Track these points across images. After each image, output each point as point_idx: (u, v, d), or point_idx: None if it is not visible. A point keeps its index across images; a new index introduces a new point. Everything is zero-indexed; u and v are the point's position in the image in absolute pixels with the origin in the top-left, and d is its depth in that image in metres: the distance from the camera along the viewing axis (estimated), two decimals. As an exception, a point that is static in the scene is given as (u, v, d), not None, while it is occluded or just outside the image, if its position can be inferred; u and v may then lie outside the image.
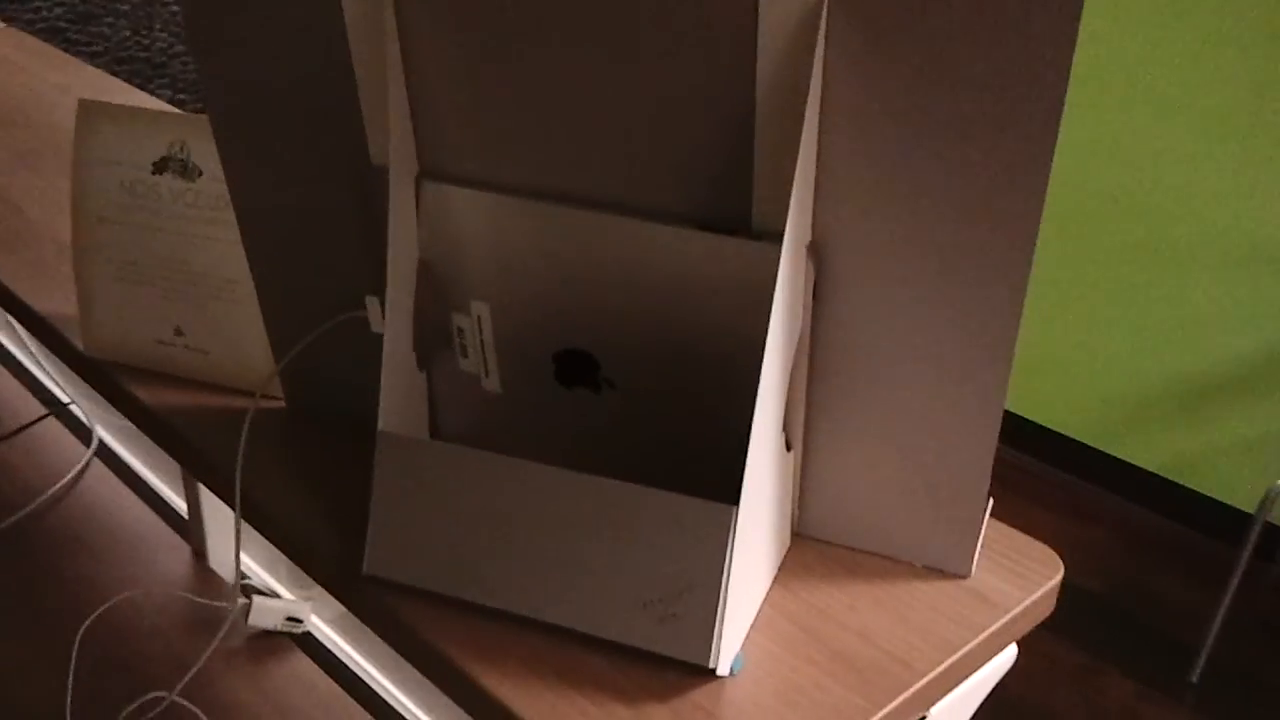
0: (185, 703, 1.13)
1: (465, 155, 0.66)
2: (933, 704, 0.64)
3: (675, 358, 0.66)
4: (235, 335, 0.82)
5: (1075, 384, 2.72)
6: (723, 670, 0.60)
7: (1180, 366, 2.52)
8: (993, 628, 0.66)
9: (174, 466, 1.45)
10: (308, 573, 0.70)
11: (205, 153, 0.80)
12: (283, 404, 0.82)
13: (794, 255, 0.59)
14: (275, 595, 1.30)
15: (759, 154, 0.59)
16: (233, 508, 0.73)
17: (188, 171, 0.80)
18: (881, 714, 0.60)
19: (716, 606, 0.59)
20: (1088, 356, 2.68)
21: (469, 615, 0.64)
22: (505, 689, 0.61)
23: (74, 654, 1.18)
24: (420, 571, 0.64)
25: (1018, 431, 2.83)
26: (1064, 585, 0.68)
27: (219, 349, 0.83)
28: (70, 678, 1.15)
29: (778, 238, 0.61)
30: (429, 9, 0.62)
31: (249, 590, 1.24)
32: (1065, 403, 2.76)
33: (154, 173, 0.81)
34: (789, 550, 0.71)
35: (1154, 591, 2.38)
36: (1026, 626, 0.69)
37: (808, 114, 0.56)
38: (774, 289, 0.56)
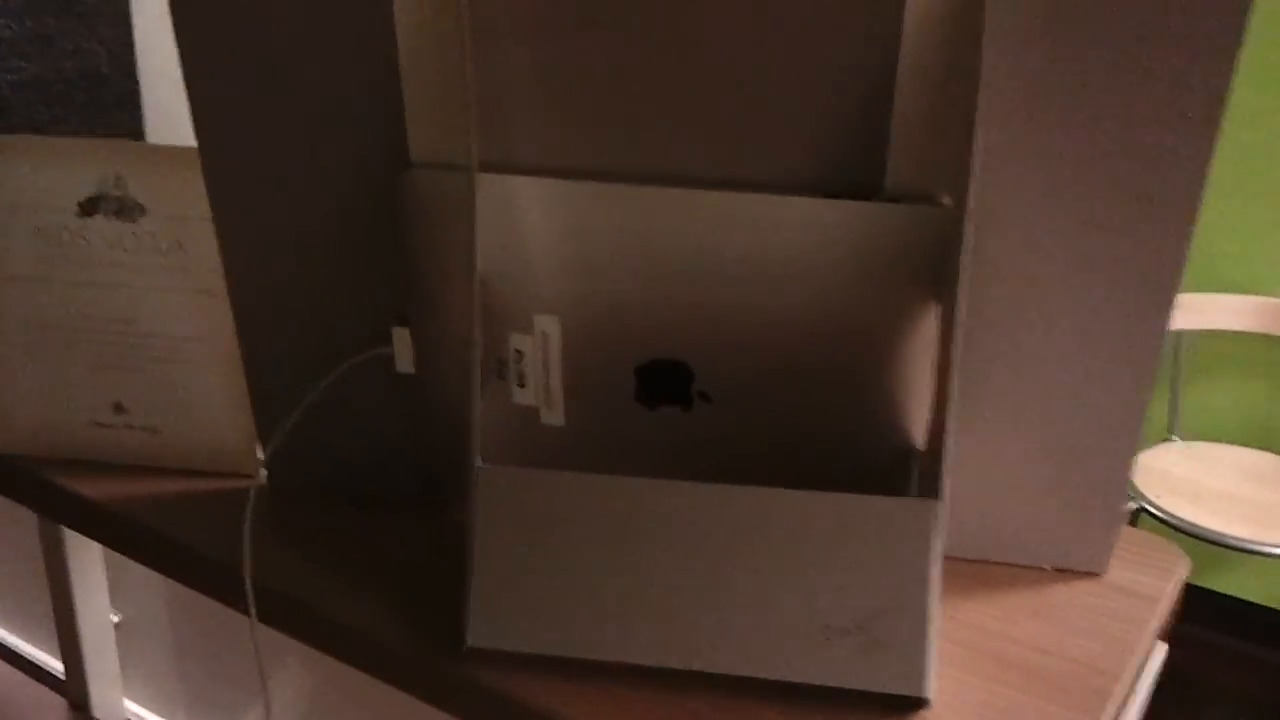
0: None
1: (533, 138, 0.56)
2: (1125, 703, 0.57)
3: (788, 354, 0.58)
4: (192, 406, 0.68)
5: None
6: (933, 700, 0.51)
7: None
8: (1153, 620, 0.60)
9: (32, 614, 1.22)
10: (367, 669, 0.57)
11: (148, 187, 0.66)
12: (256, 482, 0.68)
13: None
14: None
15: (899, 112, 0.52)
16: (244, 612, 0.59)
17: (126, 210, 0.66)
18: (1095, 726, 0.53)
19: (926, 625, 0.50)
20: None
21: (602, 681, 0.53)
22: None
23: None
24: (541, 635, 0.52)
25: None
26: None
27: (172, 424, 0.68)
28: None
29: (918, 199, 0.54)
30: (494, -35, 0.52)
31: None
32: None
33: (81, 215, 0.66)
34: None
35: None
36: (1168, 617, 0.64)
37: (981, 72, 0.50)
38: (958, 252, 0.49)
